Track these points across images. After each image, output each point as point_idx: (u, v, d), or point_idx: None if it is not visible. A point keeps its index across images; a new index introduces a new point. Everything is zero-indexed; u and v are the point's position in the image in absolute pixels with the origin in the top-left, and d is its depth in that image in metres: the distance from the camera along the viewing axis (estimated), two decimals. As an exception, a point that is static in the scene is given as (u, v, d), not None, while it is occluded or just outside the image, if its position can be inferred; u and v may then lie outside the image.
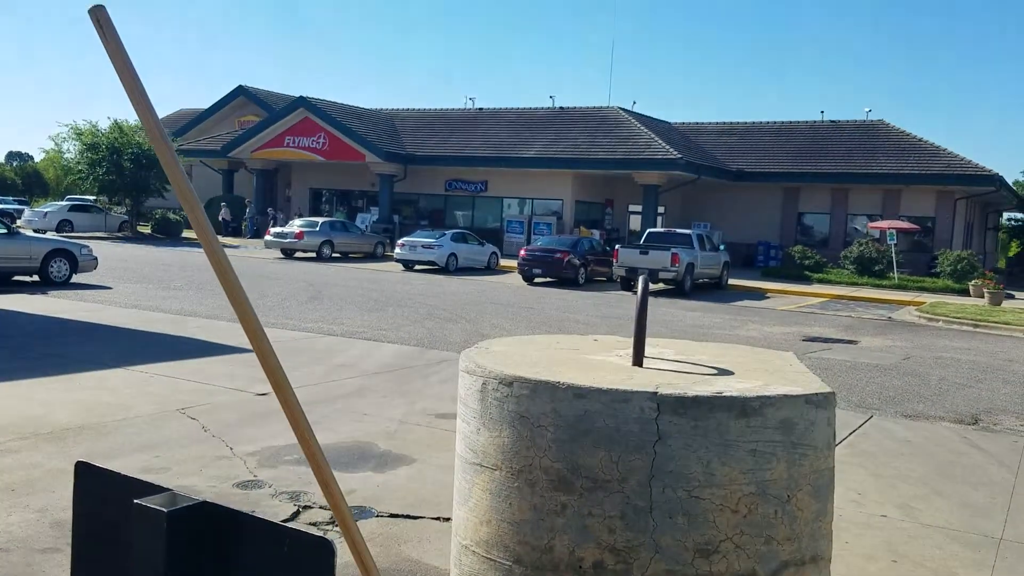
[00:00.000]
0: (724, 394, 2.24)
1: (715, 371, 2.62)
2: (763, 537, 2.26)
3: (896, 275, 27.81)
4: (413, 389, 8.15)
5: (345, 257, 29.55)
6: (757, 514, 2.24)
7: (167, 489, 1.47)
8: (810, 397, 2.30)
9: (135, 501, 1.38)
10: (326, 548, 1.36)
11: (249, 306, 1.67)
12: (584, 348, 3.04)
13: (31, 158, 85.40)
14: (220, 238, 32.37)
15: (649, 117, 37.26)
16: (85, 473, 1.52)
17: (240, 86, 45.37)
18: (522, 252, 24.13)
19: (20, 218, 36.06)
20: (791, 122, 38.08)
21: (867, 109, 58.75)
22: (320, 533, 4.22)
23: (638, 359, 2.68)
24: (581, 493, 2.26)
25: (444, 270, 25.52)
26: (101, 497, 1.49)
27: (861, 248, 28.93)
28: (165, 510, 1.37)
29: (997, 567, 4.47)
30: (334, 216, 35.24)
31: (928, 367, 11.68)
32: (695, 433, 2.19)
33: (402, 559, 4.18)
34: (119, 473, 1.54)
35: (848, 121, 37.16)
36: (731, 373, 2.61)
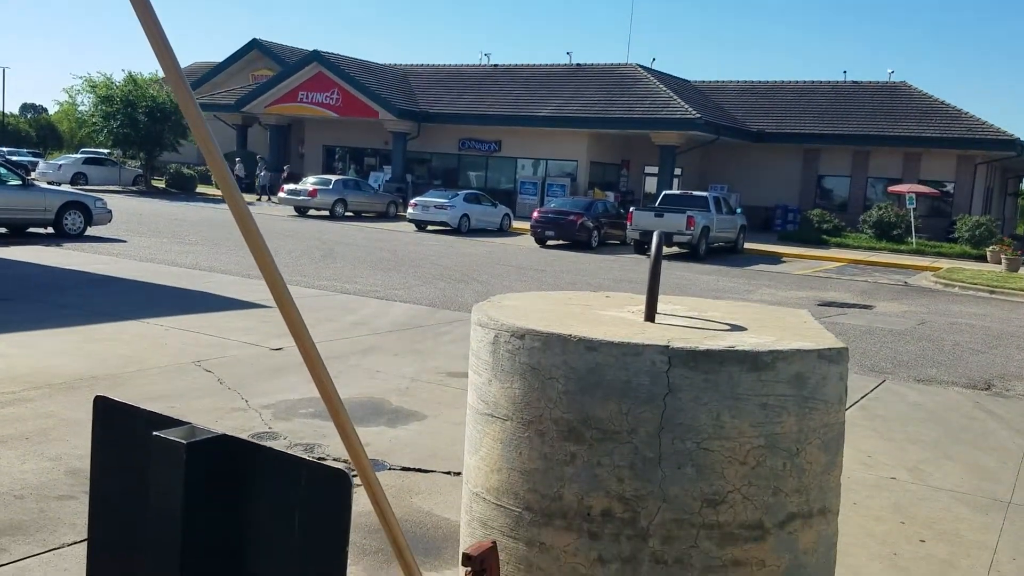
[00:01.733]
0: (736, 348, 2.24)
1: (728, 327, 2.62)
2: (771, 489, 2.28)
3: (914, 240, 27.57)
4: (425, 348, 8.20)
5: (358, 216, 29.55)
6: (765, 466, 2.25)
7: (186, 422, 1.49)
8: (823, 352, 2.30)
9: (154, 433, 1.40)
10: (343, 479, 1.39)
11: (270, 256, 1.68)
12: (596, 304, 3.04)
13: (45, 110, 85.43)
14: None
15: (668, 75, 36.75)
16: (104, 407, 1.54)
17: (254, 39, 45.03)
18: (535, 214, 24.02)
19: (35, 170, 36.18)
20: (813, 82, 37.49)
21: (890, 71, 57.77)
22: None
23: (650, 315, 2.68)
24: (591, 443, 2.28)
25: (456, 231, 25.49)
26: (119, 431, 1.51)
27: (880, 212, 28.66)
28: (184, 442, 1.39)
29: (1005, 529, 4.49)
30: (347, 174, 35.16)
31: (943, 332, 11.64)
32: (706, 386, 2.20)
33: (413, 510, 4.25)
34: (138, 407, 1.56)
35: (870, 82, 36.57)
36: (744, 329, 2.60)
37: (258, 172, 37.10)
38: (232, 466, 1.44)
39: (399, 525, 1.78)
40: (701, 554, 2.25)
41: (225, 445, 1.46)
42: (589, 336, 2.30)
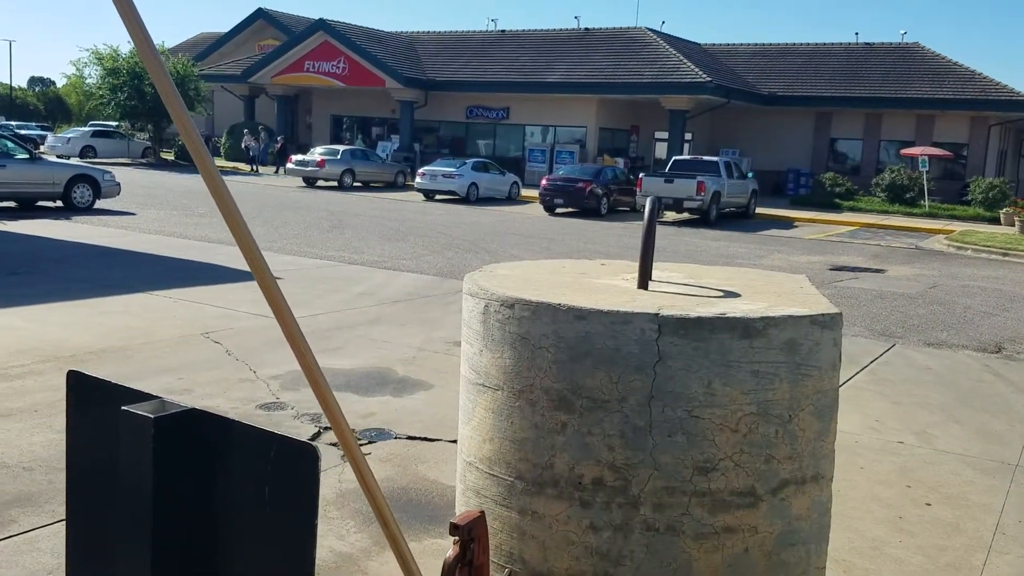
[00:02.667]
0: (727, 315, 2.22)
1: (721, 293, 2.59)
2: (763, 456, 2.26)
3: (927, 203, 27.28)
4: (431, 318, 8.20)
5: (366, 186, 29.48)
6: (757, 433, 2.24)
7: (156, 396, 1.48)
8: (816, 318, 2.27)
9: (122, 408, 1.40)
10: (311, 452, 1.38)
11: (250, 236, 1.66)
12: (590, 272, 3.02)
13: (53, 83, 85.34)
14: (243, 166, 32.18)
15: (678, 38, 36.25)
16: (77, 382, 1.54)
17: (260, 8, 44.67)
18: (543, 181, 23.87)
19: (43, 144, 36.21)
20: (825, 44, 36.92)
21: (902, 31, 56.75)
22: (340, 452, 4.32)
23: (643, 282, 2.65)
24: (581, 413, 2.26)
25: (465, 200, 25.40)
26: (92, 406, 1.51)
27: (893, 175, 28.35)
28: (152, 416, 1.39)
29: (1011, 492, 4.47)
30: (354, 144, 35.00)
31: (954, 296, 11.54)
32: (696, 354, 2.18)
33: (419, 478, 4.27)
34: (109, 381, 1.56)
35: (883, 44, 35.97)
36: (738, 295, 2.57)
37: (244, 142, 36.07)
38: (201, 440, 1.44)
39: (383, 496, 1.78)
40: (693, 521, 2.25)
41: (194, 419, 1.45)
42: (578, 305, 2.28)
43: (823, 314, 2.29)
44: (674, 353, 2.18)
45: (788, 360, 2.23)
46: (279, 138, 35.20)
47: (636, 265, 3.02)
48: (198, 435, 1.43)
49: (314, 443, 1.44)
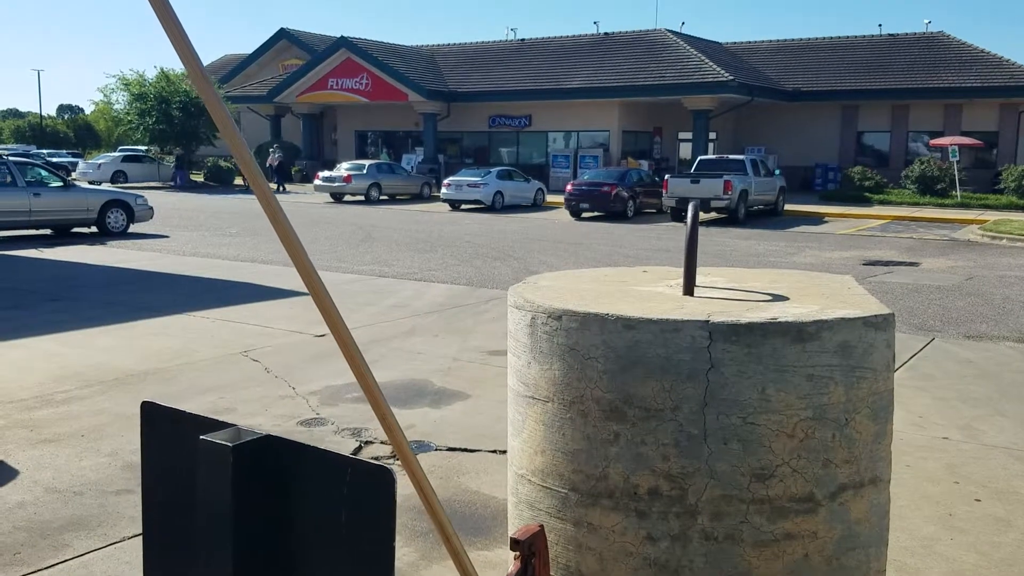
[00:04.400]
0: (779, 320, 2.20)
1: (769, 297, 2.57)
2: (820, 461, 2.24)
3: (959, 193, 26.88)
4: (465, 327, 8.23)
5: (392, 199, 29.68)
6: (814, 438, 2.22)
7: (232, 425, 1.51)
8: (868, 319, 2.25)
9: (201, 437, 1.43)
10: (387, 476, 1.40)
11: (302, 249, 1.68)
12: (633, 280, 3.01)
13: (82, 110, 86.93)
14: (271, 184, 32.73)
15: (698, 38, 36.11)
16: (151, 413, 1.57)
17: (282, 29, 45.20)
18: (568, 187, 23.87)
19: (74, 171, 36.85)
20: (848, 37, 36.56)
21: (927, 21, 56.06)
22: (371, 461, 4.34)
23: (689, 288, 2.64)
24: (634, 422, 2.26)
25: (491, 208, 25.46)
26: (167, 435, 1.54)
27: (923, 166, 27.97)
28: (230, 444, 1.41)
29: (1064, 486, 4.39)
30: (380, 158, 35.23)
31: (991, 287, 11.35)
32: (749, 360, 2.17)
33: (461, 490, 4.28)
34: (184, 411, 1.59)
35: (907, 34, 35.56)
36: (786, 299, 2.55)
37: (269, 161, 34.78)
38: (278, 466, 1.46)
39: (444, 510, 1.79)
40: (752, 529, 2.23)
41: (270, 446, 1.48)
42: (627, 314, 2.28)
43: (875, 315, 2.27)
44: (726, 360, 2.17)
45: (842, 363, 2.21)
46: (276, 154, 34.31)
47: (678, 271, 3.01)
48: (274, 461, 1.46)
49: (389, 466, 1.45)
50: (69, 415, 5.29)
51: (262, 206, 1.71)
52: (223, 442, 1.43)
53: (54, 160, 41.19)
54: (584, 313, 2.33)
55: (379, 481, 1.39)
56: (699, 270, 2.87)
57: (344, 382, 6.06)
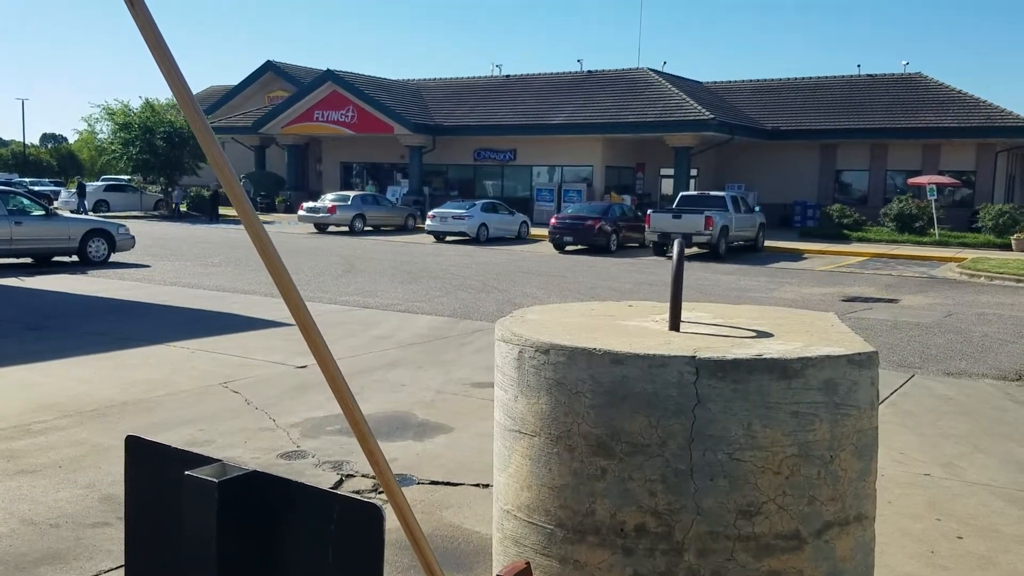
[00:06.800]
0: (764, 356, 2.22)
1: (754, 333, 2.60)
2: (806, 498, 2.25)
3: (937, 231, 27.26)
4: (448, 359, 8.20)
5: (377, 230, 29.70)
6: (800, 475, 2.23)
7: (217, 460, 1.50)
8: (852, 357, 2.27)
9: (186, 472, 1.41)
10: (375, 513, 1.38)
11: (291, 282, 1.69)
12: (619, 314, 3.03)
13: (65, 139, 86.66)
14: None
15: (680, 77, 36.68)
16: (136, 447, 1.56)
17: (268, 61, 45.46)
18: (553, 220, 24.02)
19: (57, 199, 36.65)
20: (827, 77, 37.26)
21: (904, 62, 57.24)
22: (358, 497, 4.29)
23: (675, 323, 2.66)
24: (621, 458, 2.26)
25: (475, 240, 25.53)
26: (152, 470, 1.53)
27: (901, 205, 28.38)
28: (216, 480, 1.40)
29: (1044, 524, 4.41)
30: (365, 190, 35.33)
31: (970, 324, 11.48)
32: (735, 396, 2.18)
33: (443, 524, 4.24)
34: (169, 446, 1.58)
35: (885, 75, 36.29)
36: (771, 335, 2.58)
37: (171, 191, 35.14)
38: (264, 503, 1.45)
39: (429, 545, 1.77)
40: (738, 566, 2.22)
41: (256, 482, 1.46)
42: (614, 349, 2.29)
43: (860, 353, 2.30)
44: (713, 396, 2.18)
45: (827, 400, 2.23)
46: (211, 184, 34.06)
47: (663, 306, 3.03)
48: (260, 498, 1.45)
49: (377, 503, 1.44)
50: (47, 446, 5.21)
51: (251, 239, 1.72)
52: (209, 478, 1.41)
53: (36, 189, 40.89)
54: (572, 347, 2.34)
55: (367, 518, 1.38)
56: (684, 305, 2.89)
57: (325, 414, 6.02)
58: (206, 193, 36.89)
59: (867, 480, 2.37)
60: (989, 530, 4.30)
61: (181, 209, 35.06)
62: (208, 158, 1.71)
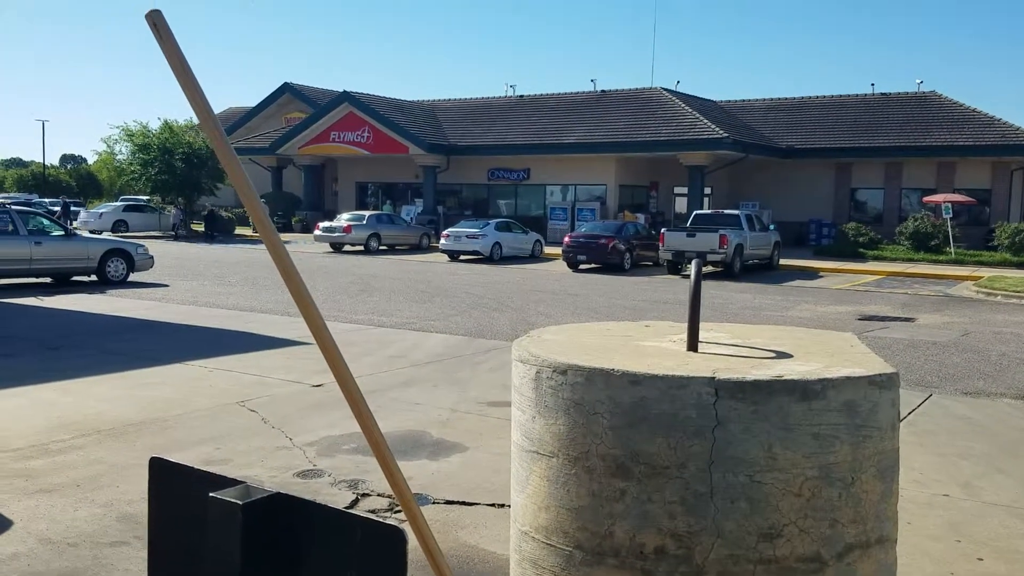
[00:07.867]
0: (784, 377, 2.21)
1: (773, 354, 2.59)
2: (828, 520, 2.23)
3: (953, 250, 27.08)
4: (463, 378, 8.20)
5: (392, 249, 29.83)
6: (821, 497, 2.21)
7: (241, 482, 1.51)
8: (873, 378, 2.26)
9: (211, 494, 1.42)
10: (397, 536, 1.39)
11: (312, 303, 1.70)
12: (637, 334, 3.03)
13: (84, 160, 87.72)
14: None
15: (693, 96, 36.74)
16: (159, 468, 1.57)
17: (285, 83, 45.87)
18: (566, 239, 24.05)
19: (76, 219, 37.02)
20: (841, 96, 37.25)
21: (919, 80, 57.12)
22: (381, 520, 4.29)
23: (693, 344, 2.66)
24: (640, 479, 2.25)
25: (489, 259, 25.59)
26: (175, 491, 1.54)
27: (916, 223, 28.23)
28: (240, 502, 1.41)
29: (1067, 547, 4.34)
30: (380, 209, 35.53)
31: (987, 343, 11.38)
32: (755, 418, 2.17)
33: (459, 544, 4.22)
34: (193, 467, 1.59)
35: (900, 93, 36.22)
36: (790, 356, 2.57)
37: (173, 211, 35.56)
38: (287, 524, 1.45)
39: (448, 565, 1.77)
40: (758, 589, 2.21)
41: (280, 504, 1.47)
42: (633, 370, 2.29)
43: (880, 374, 2.29)
44: (733, 417, 2.18)
45: (848, 422, 2.22)
46: (207, 203, 34.31)
47: (681, 326, 3.03)
48: (284, 520, 1.45)
49: (399, 525, 1.44)
50: (65, 465, 5.24)
51: (274, 260, 1.74)
52: (233, 500, 1.42)
53: (55, 209, 41.35)
54: (590, 368, 2.34)
55: (390, 541, 1.38)
56: (702, 325, 2.88)
57: (341, 432, 6.02)
58: (225, 213, 37.17)
59: (889, 502, 2.35)
60: (1009, 551, 4.25)
61: (180, 232, 35.30)
62: (234, 183, 1.74)
